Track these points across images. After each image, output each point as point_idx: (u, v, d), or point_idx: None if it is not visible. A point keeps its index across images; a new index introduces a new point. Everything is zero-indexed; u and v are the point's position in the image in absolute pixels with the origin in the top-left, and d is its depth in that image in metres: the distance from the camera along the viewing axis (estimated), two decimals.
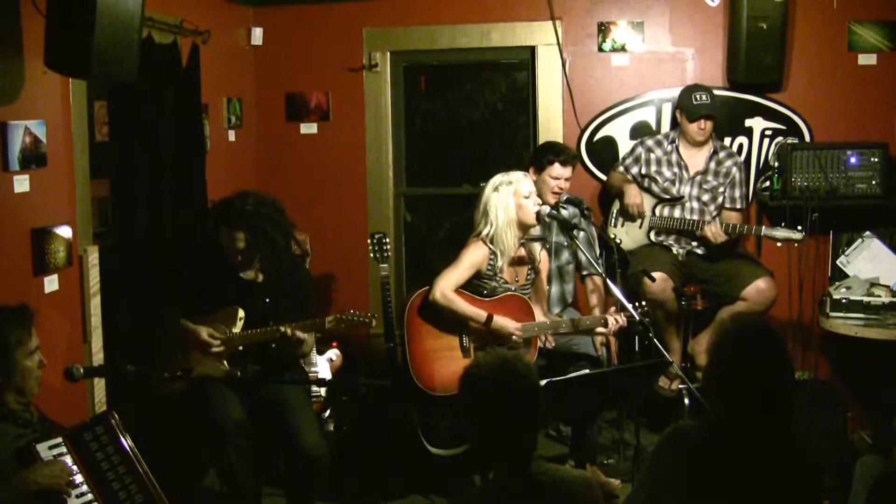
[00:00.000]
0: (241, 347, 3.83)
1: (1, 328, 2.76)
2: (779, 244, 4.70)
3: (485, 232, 4.20)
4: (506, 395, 2.42)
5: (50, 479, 2.63)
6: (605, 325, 4.17)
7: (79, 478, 2.74)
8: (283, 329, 3.73)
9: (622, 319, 4.13)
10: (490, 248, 4.18)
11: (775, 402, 2.48)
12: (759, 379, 2.46)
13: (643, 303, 4.21)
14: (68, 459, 2.74)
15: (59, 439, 2.77)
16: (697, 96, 4.86)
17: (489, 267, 4.20)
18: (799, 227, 4.56)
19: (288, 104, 5.57)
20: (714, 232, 4.66)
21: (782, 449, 2.50)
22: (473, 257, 4.19)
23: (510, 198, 4.18)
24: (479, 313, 4.11)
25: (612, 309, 4.26)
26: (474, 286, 4.23)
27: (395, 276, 5.55)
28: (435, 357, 4.18)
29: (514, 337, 4.09)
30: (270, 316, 3.86)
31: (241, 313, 3.84)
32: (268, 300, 3.91)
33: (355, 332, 4.52)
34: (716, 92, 5.00)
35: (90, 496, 2.72)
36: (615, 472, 4.53)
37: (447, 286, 4.11)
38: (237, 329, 3.82)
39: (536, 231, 4.35)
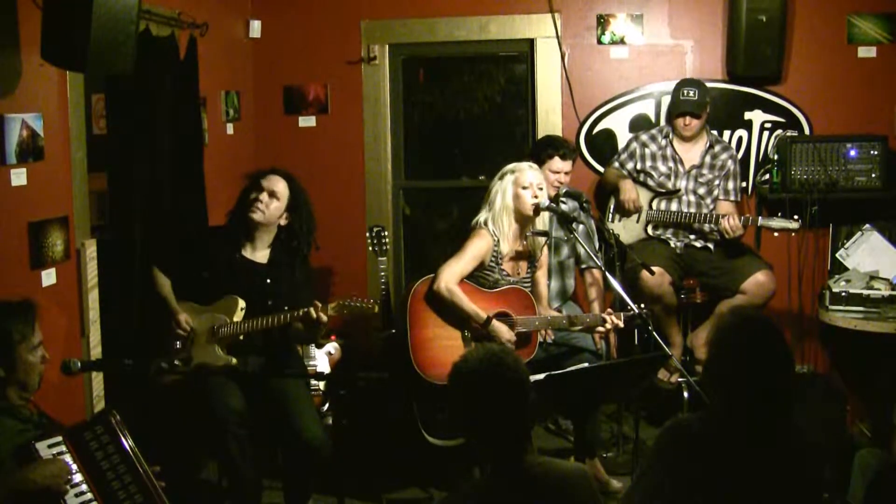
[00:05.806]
0: (241, 337, 3.81)
1: (4, 323, 2.74)
2: (776, 234, 4.69)
3: (483, 218, 4.19)
4: (494, 389, 2.40)
5: (49, 478, 2.60)
6: (603, 323, 4.15)
7: (78, 477, 2.71)
8: (306, 311, 3.65)
9: (617, 319, 4.11)
10: (493, 238, 4.17)
11: (775, 397, 2.48)
12: (758, 374, 2.45)
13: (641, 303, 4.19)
14: (68, 458, 2.72)
15: (59, 438, 2.75)
16: (685, 92, 4.85)
17: (493, 258, 4.18)
18: (795, 217, 4.55)
19: (286, 97, 5.56)
20: (733, 225, 4.61)
21: (781, 442, 2.50)
22: (478, 248, 4.16)
23: (509, 186, 4.18)
24: (479, 314, 4.08)
25: (609, 310, 4.25)
26: (476, 277, 4.21)
27: (393, 269, 5.54)
28: (436, 345, 4.14)
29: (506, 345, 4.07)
30: (271, 297, 3.85)
31: (242, 304, 3.81)
32: (269, 281, 3.91)
33: (356, 322, 4.51)
34: (715, 85, 4.98)
35: (90, 496, 2.70)
36: (614, 466, 4.53)
37: (451, 278, 4.09)
38: (237, 318, 3.81)
39: (540, 225, 4.34)
